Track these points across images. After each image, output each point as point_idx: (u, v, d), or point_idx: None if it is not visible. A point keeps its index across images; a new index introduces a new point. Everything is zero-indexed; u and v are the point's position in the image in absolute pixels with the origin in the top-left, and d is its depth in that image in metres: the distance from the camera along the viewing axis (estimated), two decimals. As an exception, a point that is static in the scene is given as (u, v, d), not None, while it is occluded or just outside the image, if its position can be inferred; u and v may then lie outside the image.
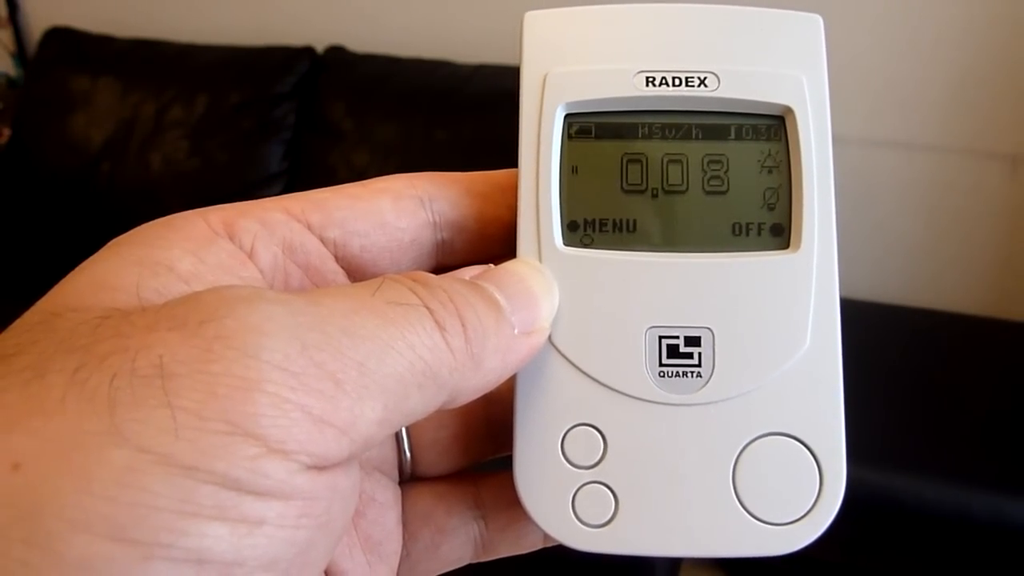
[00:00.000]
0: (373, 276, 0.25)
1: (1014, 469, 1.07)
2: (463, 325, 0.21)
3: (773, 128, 0.26)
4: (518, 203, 0.26)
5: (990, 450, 1.11)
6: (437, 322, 0.20)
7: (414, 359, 0.19)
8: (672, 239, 0.26)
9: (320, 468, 0.18)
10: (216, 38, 1.67)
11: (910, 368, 1.24)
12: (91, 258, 0.21)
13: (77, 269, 0.21)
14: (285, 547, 0.17)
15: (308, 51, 1.61)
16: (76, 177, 1.61)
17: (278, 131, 1.57)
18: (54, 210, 1.65)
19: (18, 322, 0.19)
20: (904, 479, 1.06)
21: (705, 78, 0.26)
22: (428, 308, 0.20)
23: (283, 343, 0.18)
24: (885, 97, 1.40)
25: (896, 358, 1.25)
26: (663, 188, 0.26)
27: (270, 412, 0.17)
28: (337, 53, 1.60)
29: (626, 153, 0.26)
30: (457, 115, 1.47)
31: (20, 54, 1.93)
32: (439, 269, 0.26)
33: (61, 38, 1.70)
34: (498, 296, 0.23)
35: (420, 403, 0.20)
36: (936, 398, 1.19)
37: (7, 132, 1.79)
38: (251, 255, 0.23)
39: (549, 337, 0.25)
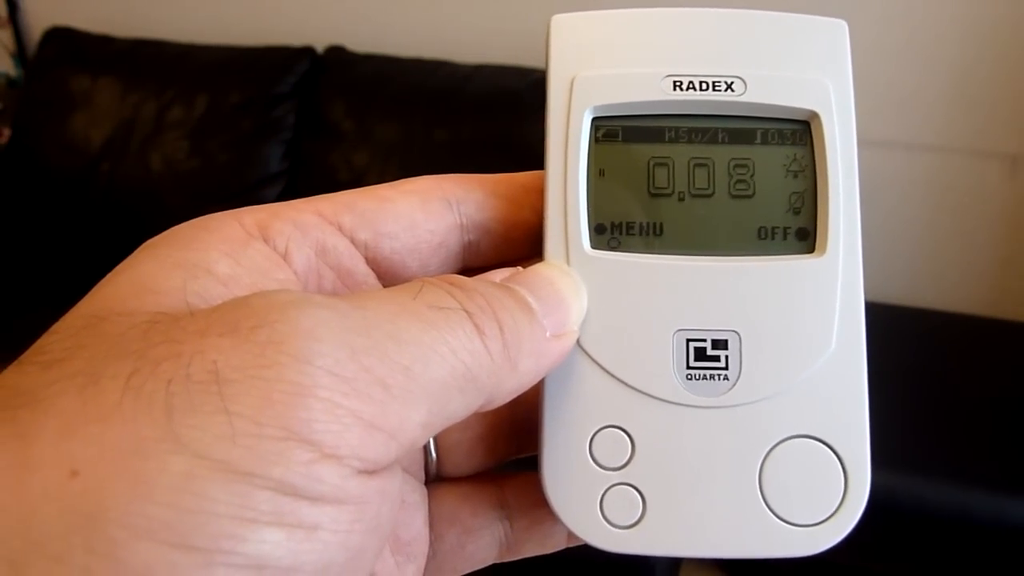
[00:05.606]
0: (403, 278, 0.25)
1: (1014, 469, 1.07)
2: (500, 329, 0.21)
3: (799, 133, 0.26)
4: (545, 206, 0.26)
5: (990, 450, 1.11)
6: (476, 326, 0.20)
7: (456, 363, 0.20)
8: (698, 243, 0.26)
9: (370, 472, 0.18)
10: (216, 38, 1.67)
11: (910, 368, 1.24)
12: (127, 261, 0.21)
13: (115, 272, 0.21)
14: (339, 551, 0.17)
15: (308, 51, 1.61)
16: (76, 177, 1.61)
17: (278, 131, 1.57)
18: (54, 210, 1.64)
19: (59, 325, 0.19)
20: (904, 479, 1.06)
21: (732, 82, 0.26)
22: (467, 312, 0.20)
23: (334, 348, 0.18)
24: (885, 97, 1.41)
25: (896, 358, 1.25)
26: (689, 192, 0.26)
27: (323, 417, 0.17)
28: (337, 53, 1.60)
29: (653, 157, 0.26)
30: (457, 115, 1.47)
31: (20, 54, 1.92)
32: (465, 271, 0.27)
33: (61, 38, 1.70)
34: (530, 299, 0.23)
35: (461, 406, 0.20)
36: (936, 398, 1.19)
37: (7, 132, 1.78)
38: (286, 257, 0.23)
39: (577, 340, 0.25)
